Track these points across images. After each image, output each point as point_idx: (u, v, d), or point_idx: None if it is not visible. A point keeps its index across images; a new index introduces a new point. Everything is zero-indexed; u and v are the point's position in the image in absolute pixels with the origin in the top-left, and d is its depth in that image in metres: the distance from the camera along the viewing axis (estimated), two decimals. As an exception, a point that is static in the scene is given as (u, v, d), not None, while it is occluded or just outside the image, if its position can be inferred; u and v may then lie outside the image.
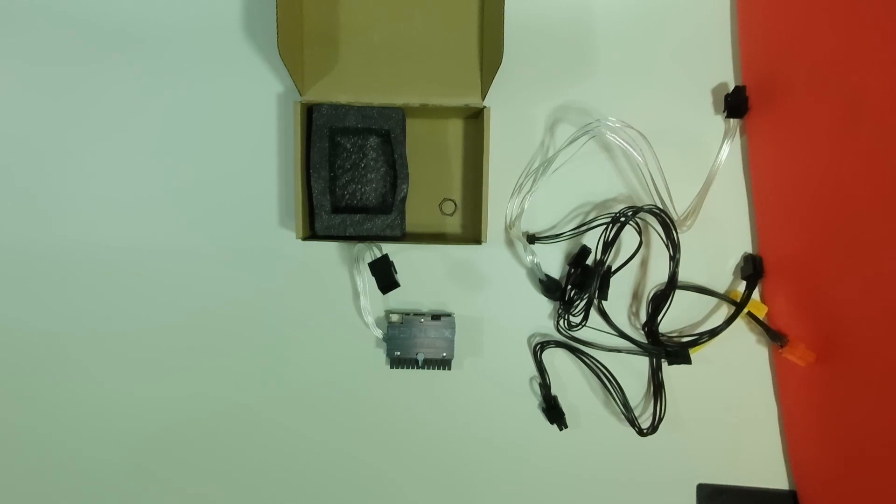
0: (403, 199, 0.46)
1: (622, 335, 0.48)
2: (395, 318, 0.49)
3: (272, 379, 0.50)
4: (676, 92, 0.49)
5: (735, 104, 0.47)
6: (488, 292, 0.50)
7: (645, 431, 0.48)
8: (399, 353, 0.48)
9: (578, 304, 0.47)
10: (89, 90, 0.48)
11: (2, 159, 0.48)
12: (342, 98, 0.45)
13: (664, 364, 0.48)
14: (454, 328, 0.49)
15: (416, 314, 0.49)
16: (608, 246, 0.46)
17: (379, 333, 0.49)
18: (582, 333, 0.48)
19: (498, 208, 0.49)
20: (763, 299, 0.48)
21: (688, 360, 0.47)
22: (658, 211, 0.45)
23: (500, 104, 0.47)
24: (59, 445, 0.51)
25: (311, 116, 0.45)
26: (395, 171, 0.46)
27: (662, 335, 0.48)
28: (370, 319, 0.48)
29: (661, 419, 0.48)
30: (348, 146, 0.47)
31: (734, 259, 0.49)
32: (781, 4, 0.44)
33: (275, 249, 0.49)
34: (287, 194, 0.49)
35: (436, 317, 0.49)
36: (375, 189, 0.48)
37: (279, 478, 0.50)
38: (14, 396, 0.50)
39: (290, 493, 0.50)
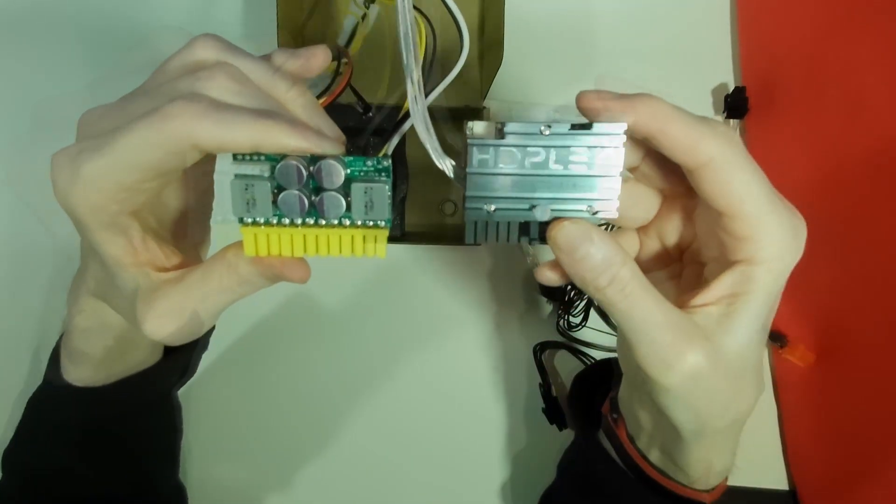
0: (403, 200, 0.46)
1: (622, 335, 0.48)
2: (479, 128, 0.23)
3: (271, 379, 0.50)
4: (676, 92, 0.48)
5: (735, 105, 0.47)
6: (488, 293, 0.50)
7: (645, 432, 0.48)
8: (494, 208, 0.23)
9: (578, 305, 0.47)
10: (89, 94, 0.48)
11: (2, 158, 0.48)
12: (342, 98, 0.45)
13: (664, 364, 0.48)
14: (622, 145, 0.22)
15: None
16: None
17: (449, 168, 0.25)
18: (582, 334, 0.48)
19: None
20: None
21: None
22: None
23: (500, 105, 0.47)
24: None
25: (311, 117, 0.45)
26: (395, 172, 0.46)
27: (662, 335, 0.48)
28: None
29: (661, 419, 0.48)
30: (348, 146, 0.47)
31: (734, 259, 0.49)
32: (781, 4, 0.44)
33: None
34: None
35: (578, 125, 0.22)
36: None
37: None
38: (13, 397, 0.50)
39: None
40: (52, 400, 0.33)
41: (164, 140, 0.21)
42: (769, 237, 0.23)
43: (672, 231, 0.28)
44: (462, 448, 0.50)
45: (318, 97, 0.35)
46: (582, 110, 0.23)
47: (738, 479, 0.50)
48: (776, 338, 0.46)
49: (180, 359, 0.36)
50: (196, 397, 0.49)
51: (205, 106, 0.21)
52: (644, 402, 0.29)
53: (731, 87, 0.48)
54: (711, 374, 0.24)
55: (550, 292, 0.48)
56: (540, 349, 0.49)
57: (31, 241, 0.49)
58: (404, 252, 0.49)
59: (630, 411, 0.31)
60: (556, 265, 0.25)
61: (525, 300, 0.49)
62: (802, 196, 0.43)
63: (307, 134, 0.22)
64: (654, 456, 0.31)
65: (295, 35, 0.44)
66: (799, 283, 0.45)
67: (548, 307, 0.49)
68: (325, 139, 0.23)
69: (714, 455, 0.29)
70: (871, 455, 0.40)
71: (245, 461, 0.50)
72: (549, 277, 0.26)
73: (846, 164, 0.39)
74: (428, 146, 0.24)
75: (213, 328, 0.39)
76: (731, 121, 0.47)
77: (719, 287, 0.24)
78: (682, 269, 0.28)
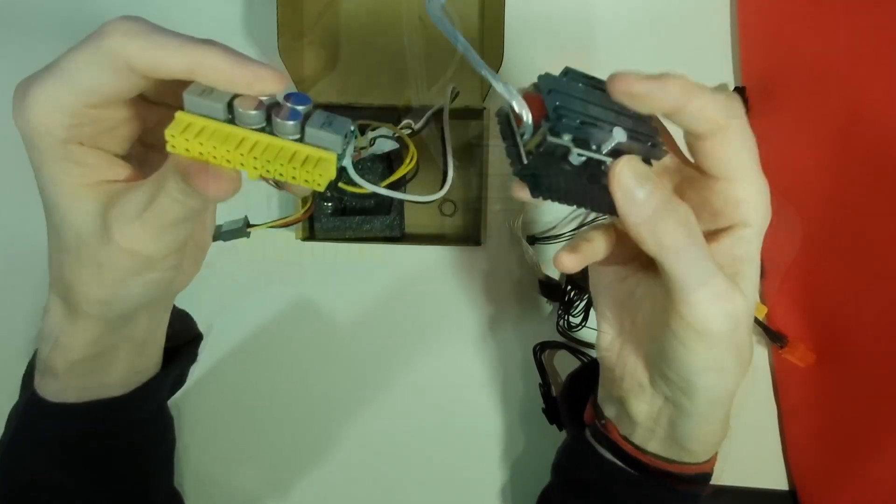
0: (402, 199, 0.46)
1: (622, 336, 0.48)
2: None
3: (268, 376, 0.50)
4: (676, 92, 0.49)
5: (735, 105, 0.47)
6: (488, 293, 0.50)
7: (645, 432, 0.48)
8: (579, 122, 0.23)
9: (578, 305, 0.47)
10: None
11: (3, 160, 0.48)
12: (342, 99, 0.45)
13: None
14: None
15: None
16: (608, 246, 0.46)
17: (513, 95, 0.24)
18: (582, 334, 0.48)
19: (498, 209, 0.48)
20: (763, 300, 0.48)
21: None
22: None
23: (500, 105, 0.47)
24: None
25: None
26: (393, 171, 0.46)
27: (662, 335, 0.48)
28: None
29: (661, 420, 0.48)
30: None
31: (734, 259, 0.49)
32: (781, 4, 0.44)
33: (274, 250, 0.49)
34: (286, 195, 0.49)
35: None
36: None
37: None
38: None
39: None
40: (44, 414, 0.31)
41: (99, 57, 0.22)
42: (759, 198, 0.26)
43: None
44: (462, 450, 0.50)
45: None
46: (616, 95, 0.24)
47: (738, 479, 0.50)
48: (776, 338, 0.46)
49: (176, 369, 0.36)
50: (193, 402, 0.49)
51: (140, 25, 0.22)
52: (642, 394, 0.30)
53: (731, 87, 0.48)
54: (746, 324, 0.26)
55: (550, 292, 0.48)
56: (540, 349, 0.49)
57: (32, 241, 0.49)
58: (404, 252, 0.49)
59: (622, 410, 0.32)
60: (574, 249, 0.27)
61: (525, 300, 0.49)
62: (803, 196, 0.43)
63: (245, 62, 0.22)
64: (654, 447, 0.31)
65: (295, 35, 0.44)
66: (799, 283, 0.45)
67: (548, 307, 0.49)
68: (265, 70, 0.22)
69: (720, 425, 0.30)
70: (871, 455, 0.40)
71: (242, 465, 0.50)
72: (568, 263, 0.27)
73: (846, 163, 0.39)
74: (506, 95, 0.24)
75: (202, 338, 0.38)
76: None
77: (719, 250, 0.26)
78: None
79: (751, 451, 0.50)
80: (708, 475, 0.32)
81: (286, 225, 0.38)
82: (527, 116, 0.23)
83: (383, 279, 0.50)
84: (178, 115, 0.21)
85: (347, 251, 0.49)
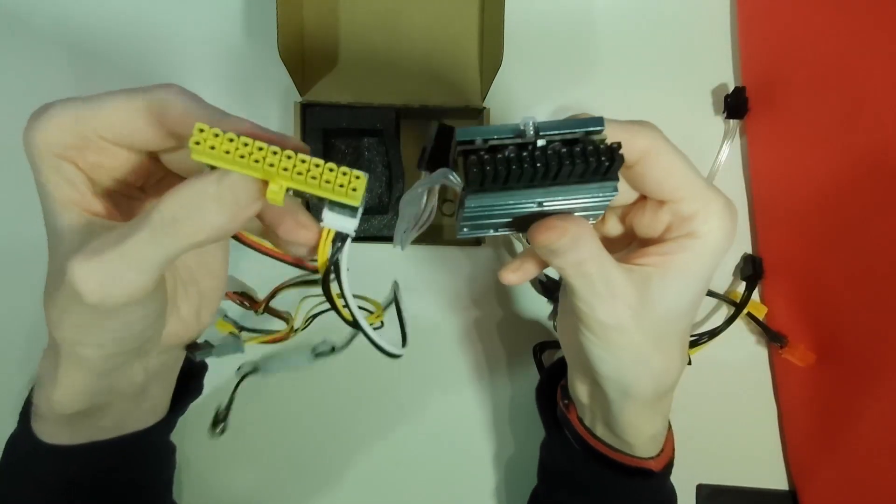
0: (399, 199, 0.45)
1: (622, 336, 0.48)
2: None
3: (270, 379, 0.50)
4: (676, 92, 0.49)
5: (735, 105, 0.47)
6: (488, 293, 0.50)
7: (645, 432, 0.48)
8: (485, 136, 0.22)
9: (578, 305, 0.47)
10: (91, 91, 0.48)
11: (5, 162, 0.48)
12: (342, 99, 0.45)
13: (664, 364, 0.48)
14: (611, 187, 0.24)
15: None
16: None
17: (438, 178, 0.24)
18: (582, 334, 0.48)
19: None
20: (763, 300, 0.48)
21: (687, 361, 0.47)
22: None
23: (500, 105, 0.47)
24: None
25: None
26: (391, 171, 0.46)
27: (662, 336, 0.48)
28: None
29: (660, 420, 0.48)
30: (343, 147, 0.47)
31: (734, 260, 0.49)
32: (781, 4, 0.44)
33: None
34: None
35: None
36: (372, 189, 0.47)
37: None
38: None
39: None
40: (38, 454, 0.31)
41: (143, 99, 0.23)
42: (710, 214, 0.26)
43: (614, 228, 0.30)
44: (460, 449, 0.50)
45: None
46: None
47: (738, 479, 0.50)
48: (776, 338, 0.46)
49: (180, 414, 0.35)
50: (194, 414, 0.49)
51: (185, 90, 0.24)
52: (581, 372, 0.31)
53: (731, 87, 0.48)
54: (634, 329, 0.26)
55: (550, 292, 0.48)
56: (540, 349, 0.49)
57: (32, 243, 0.49)
58: (403, 252, 0.49)
59: (574, 391, 0.33)
60: (515, 269, 0.29)
61: (524, 300, 0.49)
62: (802, 196, 0.43)
63: (275, 134, 0.23)
64: (599, 430, 0.32)
65: (295, 35, 0.44)
66: (799, 283, 0.45)
67: (548, 307, 0.49)
68: (293, 137, 0.24)
69: (641, 420, 0.30)
70: (871, 455, 0.40)
71: (242, 479, 0.49)
72: (511, 279, 0.29)
73: (846, 163, 0.39)
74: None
75: (206, 368, 0.38)
76: (731, 121, 0.47)
77: (658, 250, 0.27)
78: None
79: (751, 451, 0.50)
80: (651, 472, 0.32)
81: (275, 341, 0.39)
82: (455, 179, 0.24)
83: (382, 279, 0.50)
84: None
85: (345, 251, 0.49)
